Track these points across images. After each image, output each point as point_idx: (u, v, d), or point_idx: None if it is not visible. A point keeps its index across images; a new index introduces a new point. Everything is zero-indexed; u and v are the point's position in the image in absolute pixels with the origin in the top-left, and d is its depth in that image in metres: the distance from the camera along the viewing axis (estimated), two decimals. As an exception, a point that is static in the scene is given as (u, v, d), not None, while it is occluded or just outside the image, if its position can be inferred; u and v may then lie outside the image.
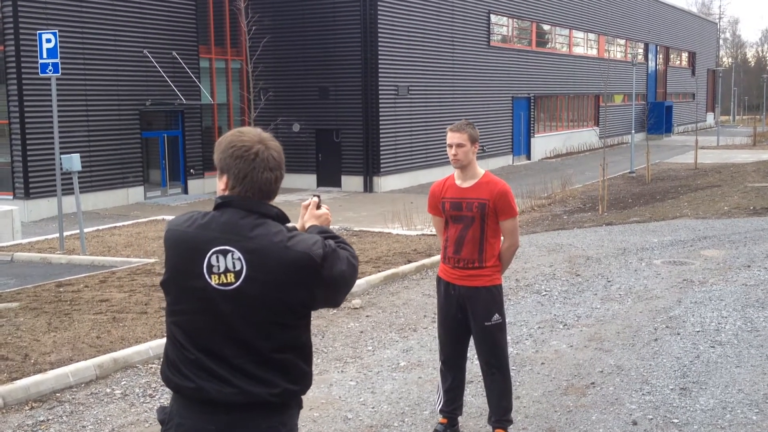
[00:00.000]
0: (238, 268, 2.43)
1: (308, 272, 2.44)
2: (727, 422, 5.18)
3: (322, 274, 2.46)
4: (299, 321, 2.53)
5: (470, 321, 4.77)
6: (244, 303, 2.43)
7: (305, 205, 2.80)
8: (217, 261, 2.44)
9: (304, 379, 2.56)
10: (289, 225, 2.58)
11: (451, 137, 4.68)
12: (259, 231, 2.45)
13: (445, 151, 4.77)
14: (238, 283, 2.43)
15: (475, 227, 4.68)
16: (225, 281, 2.43)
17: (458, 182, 4.77)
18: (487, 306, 4.71)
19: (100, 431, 5.33)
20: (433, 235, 13.25)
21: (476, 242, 4.69)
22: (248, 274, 2.42)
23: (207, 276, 2.45)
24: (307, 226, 2.72)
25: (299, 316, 2.52)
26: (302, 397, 2.64)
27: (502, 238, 4.81)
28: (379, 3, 25.57)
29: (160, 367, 6.46)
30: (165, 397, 5.90)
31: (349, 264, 2.55)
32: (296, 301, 2.47)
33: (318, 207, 2.78)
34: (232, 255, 2.43)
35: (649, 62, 52.55)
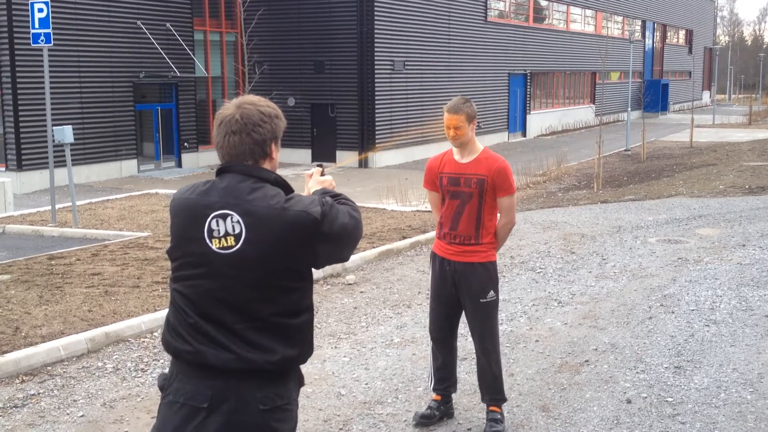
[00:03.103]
0: (237, 231, 2.45)
1: (309, 231, 2.45)
2: (722, 401, 5.16)
3: (323, 231, 2.47)
4: (301, 283, 2.53)
5: (464, 298, 4.72)
6: (244, 266, 2.45)
7: (309, 174, 2.86)
8: (217, 225, 2.47)
9: (303, 345, 2.55)
10: (294, 194, 2.59)
11: (449, 119, 4.57)
12: (256, 194, 2.48)
13: (441, 126, 4.69)
14: (238, 246, 2.45)
15: (472, 203, 4.61)
16: (225, 245, 2.46)
17: (456, 158, 4.70)
18: (482, 282, 4.66)
19: (91, 405, 5.30)
20: (428, 211, 13.20)
21: (473, 219, 4.63)
22: (248, 237, 2.44)
23: (208, 240, 2.48)
24: (312, 191, 2.76)
25: (302, 276, 2.53)
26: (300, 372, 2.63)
27: (498, 214, 4.75)
28: (375, -24, 25.32)
29: (152, 341, 6.46)
30: (157, 371, 5.87)
31: (350, 217, 2.56)
32: (298, 261, 2.49)
33: (322, 174, 2.85)
34: (231, 218, 2.46)
35: (646, 40, 52.32)
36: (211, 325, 2.47)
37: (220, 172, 2.57)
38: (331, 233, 2.49)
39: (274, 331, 2.48)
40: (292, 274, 2.49)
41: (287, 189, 2.56)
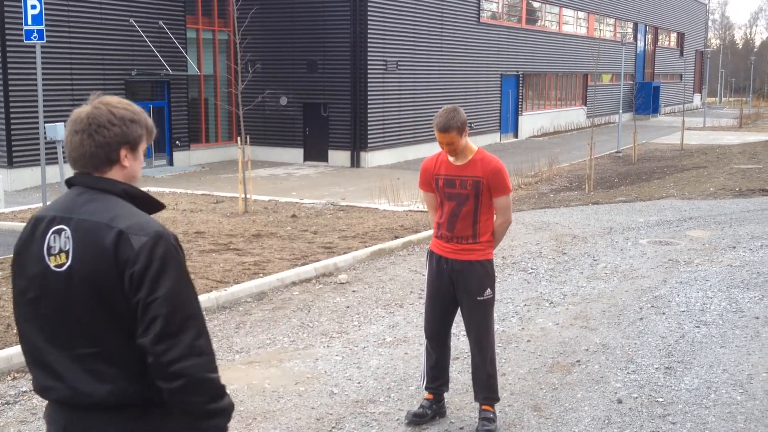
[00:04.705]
0: (67, 247, 2.25)
1: (118, 261, 2.18)
2: (712, 402, 5.20)
3: (133, 271, 2.17)
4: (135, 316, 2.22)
5: (461, 296, 4.74)
6: (75, 286, 2.23)
7: None
8: (54, 242, 2.27)
9: (146, 379, 2.23)
10: (138, 211, 2.31)
11: (440, 137, 4.55)
12: (89, 207, 2.26)
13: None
14: (68, 263, 2.24)
15: (469, 204, 4.63)
16: (60, 262, 2.25)
17: (452, 159, 4.70)
18: (480, 280, 4.68)
19: (83, 403, 5.28)
20: (421, 211, 13.22)
21: (470, 219, 4.65)
22: (75, 254, 2.24)
23: (47, 258, 2.28)
24: None
25: (133, 312, 2.21)
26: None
27: (494, 214, 4.77)
28: (369, -24, 25.32)
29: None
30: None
31: (197, 327, 2.21)
32: (121, 293, 2.19)
33: None
34: (65, 233, 2.26)
35: (638, 42, 52.49)
36: (53, 354, 2.28)
37: (69, 184, 2.36)
38: (142, 281, 2.16)
39: (118, 359, 2.23)
40: (126, 304, 2.20)
41: (142, 202, 2.34)
